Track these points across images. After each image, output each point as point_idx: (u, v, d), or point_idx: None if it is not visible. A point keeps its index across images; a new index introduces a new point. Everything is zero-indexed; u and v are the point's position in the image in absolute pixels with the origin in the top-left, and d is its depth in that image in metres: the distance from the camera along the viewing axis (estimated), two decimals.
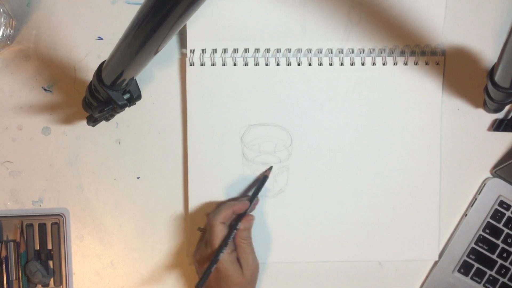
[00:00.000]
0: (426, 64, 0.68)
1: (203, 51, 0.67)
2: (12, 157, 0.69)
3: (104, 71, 0.56)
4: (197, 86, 0.68)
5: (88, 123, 0.62)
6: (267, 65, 0.67)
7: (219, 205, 0.66)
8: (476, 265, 0.69)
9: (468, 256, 0.69)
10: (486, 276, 0.68)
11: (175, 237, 0.70)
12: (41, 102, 0.69)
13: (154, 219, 0.70)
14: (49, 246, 0.69)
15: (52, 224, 0.69)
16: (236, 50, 0.67)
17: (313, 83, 0.68)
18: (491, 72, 0.59)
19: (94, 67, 0.57)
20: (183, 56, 0.69)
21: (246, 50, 0.67)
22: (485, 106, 0.67)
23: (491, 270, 0.68)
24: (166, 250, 0.70)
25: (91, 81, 0.59)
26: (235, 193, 0.68)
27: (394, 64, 0.67)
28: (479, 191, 0.69)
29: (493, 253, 0.68)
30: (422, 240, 0.69)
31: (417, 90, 0.68)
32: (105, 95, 0.57)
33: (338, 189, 0.68)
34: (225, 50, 0.67)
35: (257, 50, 0.68)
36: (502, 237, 0.68)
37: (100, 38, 0.69)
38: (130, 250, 0.70)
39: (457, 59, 0.69)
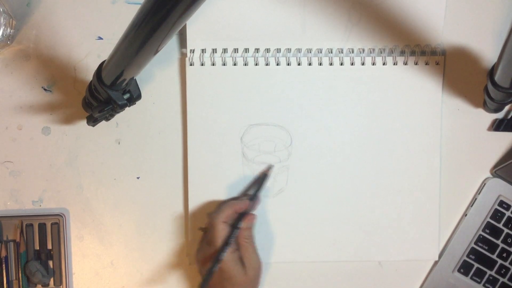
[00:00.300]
0: (426, 64, 0.68)
1: (203, 51, 0.67)
2: (12, 157, 0.69)
3: (104, 71, 0.56)
4: (197, 86, 0.68)
5: (88, 123, 0.62)
6: (267, 65, 0.67)
7: (220, 205, 0.66)
8: (476, 265, 0.69)
9: (468, 256, 0.69)
10: (486, 276, 0.68)
11: (175, 237, 0.70)
12: (41, 102, 0.69)
13: (154, 219, 0.70)
14: (49, 246, 0.69)
15: (52, 224, 0.69)
16: (236, 50, 0.67)
17: (313, 83, 0.68)
18: (491, 72, 0.59)
19: (94, 67, 0.57)
20: (183, 56, 0.69)
21: (246, 50, 0.67)
22: (485, 106, 0.67)
23: (491, 270, 0.68)
24: (166, 250, 0.70)
25: (91, 81, 0.59)
26: (235, 193, 0.68)
27: (394, 64, 0.67)
28: (479, 191, 0.69)
29: (493, 253, 0.68)
30: (422, 240, 0.69)
31: (417, 90, 0.68)
32: (105, 95, 0.57)
33: (338, 189, 0.68)
34: (225, 50, 0.67)
35: (257, 50, 0.68)
36: (502, 237, 0.68)
37: (100, 38, 0.69)
38: (130, 250, 0.70)
39: (457, 59, 0.69)
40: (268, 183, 0.68)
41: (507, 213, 0.68)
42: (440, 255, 0.69)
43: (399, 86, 0.68)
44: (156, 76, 0.69)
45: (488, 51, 0.69)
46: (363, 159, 0.68)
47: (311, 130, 0.68)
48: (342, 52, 0.68)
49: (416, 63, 0.67)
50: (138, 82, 0.61)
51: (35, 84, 0.69)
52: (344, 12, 0.67)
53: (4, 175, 0.69)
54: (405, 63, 0.68)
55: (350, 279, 0.70)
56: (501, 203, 0.68)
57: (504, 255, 0.68)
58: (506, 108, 0.68)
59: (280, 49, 0.68)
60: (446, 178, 0.69)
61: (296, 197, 0.68)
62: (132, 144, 0.69)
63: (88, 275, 0.70)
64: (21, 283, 0.68)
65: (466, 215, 0.69)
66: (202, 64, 0.67)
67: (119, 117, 0.68)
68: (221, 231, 0.62)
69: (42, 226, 0.69)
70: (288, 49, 0.68)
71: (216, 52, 0.67)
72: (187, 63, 0.67)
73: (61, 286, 0.69)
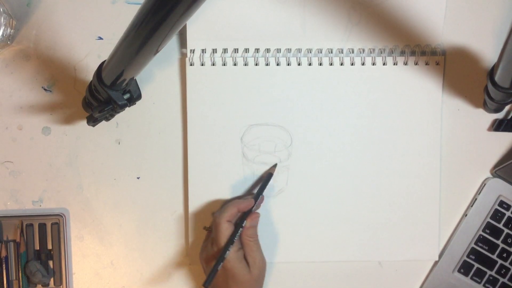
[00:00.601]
0: (426, 64, 0.68)
1: (203, 51, 0.67)
2: (12, 157, 0.69)
3: (104, 71, 0.56)
4: (197, 86, 0.68)
5: (88, 123, 0.62)
6: (267, 65, 0.67)
7: (224, 204, 0.66)
8: (476, 265, 0.69)
9: (468, 256, 0.69)
10: (486, 276, 0.68)
11: (175, 237, 0.70)
12: (41, 102, 0.69)
13: (154, 219, 0.70)
14: (49, 246, 0.69)
15: (52, 224, 0.69)
16: (236, 50, 0.67)
17: (313, 83, 0.68)
18: (491, 72, 0.59)
19: (94, 67, 0.57)
20: (183, 56, 0.69)
21: (246, 50, 0.67)
22: (485, 106, 0.67)
23: (491, 270, 0.68)
24: (166, 250, 0.70)
25: (91, 81, 0.59)
26: (235, 193, 0.68)
27: (394, 64, 0.67)
28: (479, 191, 0.69)
29: (493, 253, 0.68)
30: (422, 240, 0.69)
31: (417, 90, 0.68)
32: (105, 95, 0.57)
33: (338, 189, 0.68)
34: (225, 50, 0.67)
35: (257, 50, 0.68)
36: (502, 237, 0.68)
37: (100, 38, 0.69)
38: (130, 250, 0.70)
39: (457, 59, 0.69)
40: (269, 183, 0.68)
41: (507, 213, 0.68)
42: (440, 255, 0.69)
43: (399, 86, 0.68)
44: (156, 76, 0.69)
45: (488, 51, 0.69)
46: (363, 159, 0.68)
47: (311, 130, 0.68)
48: (342, 52, 0.68)
49: (416, 63, 0.67)
50: (138, 82, 0.61)
51: (35, 84, 0.69)
52: (344, 12, 0.67)
53: (4, 175, 0.69)
54: (405, 63, 0.67)
55: (350, 279, 0.70)
56: (501, 203, 0.68)
57: (504, 255, 0.68)
58: (506, 108, 0.68)
59: (280, 49, 0.68)
60: (446, 178, 0.69)
61: (296, 197, 0.68)
62: (132, 144, 0.69)
63: (88, 275, 0.70)
64: (21, 283, 0.68)
65: (466, 215, 0.69)
66: (202, 64, 0.67)
67: (119, 117, 0.68)
68: (225, 230, 0.62)
69: (42, 226, 0.69)
70: (288, 49, 0.68)
71: (216, 52, 0.67)
72: (187, 63, 0.67)
73: (61, 286, 0.69)
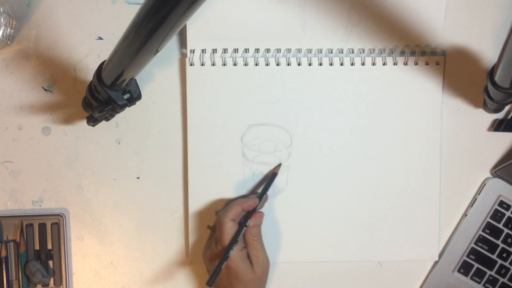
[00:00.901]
0: (426, 64, 0.68)
1: (203, 51, 0.67)
2: (12, 157, 0.69)
3: (104, 71, 0.56)
4: (197, 86, 0.68)
5: (88, 123, 0.62)
6: (267, 65, 0.67)
7: (228, 203, 0.66)
8: (476, 265, 0.69)
9: (468, 256, 0.69)
10: (486, 276, 0.68)
11: (175, 237, 0.70)
12: (41, 102, 0.69)
13: (154, 219, 0.70)
14: (49, 246, 0.69)
15: (52, 224, 0.69)
16: (236, 50, 0.67)
17: (313, 83, 0.68)
18: (491, 72, 0.59)
19: (94, 67, 0.57)
20: (183, 56, 0.69)
21: (246, 50, 0.67)
22: (485, 106, 0.67)
23: (491, 270, 0.68)
24: (166, 250, 0.70)
25: (91, 81, 0.59)
26: (235, 193, 0.68)
27: (394, 64, 0.67)
28: (479, 191, 0.69)
29: (493, 253, 0.68)
30: (422, 240, 0.69)
31: (417, 90, 0.68)
32: (105, 95, 0.57)
33: (338, 189, 0.68)
34: (225, 50, 0.67)
35: (257, 50, 0.68)
36: (502, 237, 0.68)
37: (100, 38, 0.69)
38: (130, 250, 0.70)
39: (457, 59, 0.69)
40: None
41: (507, 213, 0.68)
42: (440, 255, 0.69)
43: (399, 86, 0.68)
44: (156, 76, 0.69)
45: (488, 51, 0.69)
46: (363, 159, 0.68)
47: (311, 130, 0.68)
48: (342, 52, 0.68)
49: (416, 63, 0.67)
50: (138, 82, 0.61)
51: (35, 84, 0.69)
52: (344, 12, 0.67)
53: (4, 175, 0.69)
54: (405, 63, 0.68)
55: (350, 279, 0.70)
56: (501, 203, 0.68)
57: (504, 255, 0.68)
58: (506, 108, 0.68)
59: (280, 49, 0.68)
60: (446, 178, 0.69)
61: (296, 197, 0.68)
62: (132, 144, 0.69)
63: (88, 275, 0.70)
64: (21, 283, 0.68)
65: (466, 215, 0.69)
66: (202, 64, 0.67)
67: (119, 117, 0.68)
68: (229, 229, 0.62)
69: (42, 226, 0.69)
70: (288, 49, 0.68)
71: (216, 52, 0.67)
72: (187, 63, 0.67)
73: (61, 286, 0.69)
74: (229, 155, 0.68)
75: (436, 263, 0.70)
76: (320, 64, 0.67)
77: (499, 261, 0.68)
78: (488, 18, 0.68)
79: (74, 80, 0.69)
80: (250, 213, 0.64)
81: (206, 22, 0.67)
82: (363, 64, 0.67)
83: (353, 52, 0.68)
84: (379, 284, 0.70)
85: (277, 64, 0.67)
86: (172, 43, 0.69)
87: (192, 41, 0.67)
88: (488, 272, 0.68)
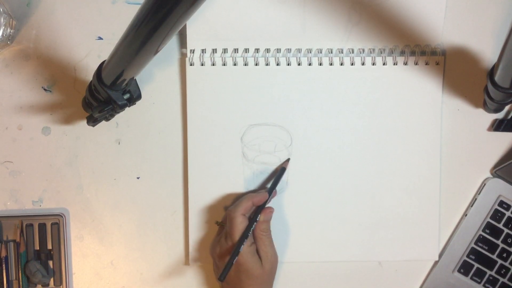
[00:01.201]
0: (426, 64, 0.68)
1: (203, 51, 0.67)
2: (12, 157, 0.69)
3: (104, 71, 0.56)
4: (197, 86, 0.68)
5: (88, 123, 0.62)
6: (267, 65, 0.67)
7: (238, 198, 0.66)
8: (476, 265, 0.69)
9: (468, 256, 0.69)
10: (486, 276, 0.68)
11: (175, 237, 0.70)
12: (41, 102, 0.69)
13: (154, 219, 0.70)
14: (49, 246, 0.69)
15: (52, 224, 0.69)
16: (236, 50, 0.67)
17: (313, 83, 0.68)
18: (491, 72, 0.59)
19: (94, 67, 0.57)
20: (183, 56, 0.69)
21: (246, 50, 0.67)
22: (485, 106, 0.67)
23: (491, 270, 0.68)
24: (166, 250, 0.70)
25: (91, 81, 0.59)
26: (235, 193, 0.68)
27: (394, 64, 0.67)
28: (479, 191, 0.69)
29: (493, 253, 0.68)
30: (422, 240, 0.69)
31: (417, 90, 0.68)
32: (105, 95, 0.57)
33: (338, 189, 0.68)
34: (225, 50, 0.67)
35: (257, 50, 0.68)
36: (502, 237, 0.68)
37: (100, 38, 0.69)
38: (130, 250, 0.70)
39: (457, 59, 0.69)
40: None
41: (507, 213, 0.68)
42: (440, 255, 0.69)
43: (399, 86, 0.68)
44: (156, 76, 0.69)
45: (488, 51, 0.68)
46: (363, 159, 0.68)
47: (311, 130, 0.68)
48: (342, 52, 0.68)
49: (416, 63, 0.67)
50: (138, 82, 0.61)
51: (35, 84, 0.69)
52: (344, 12, 0.67)
53: (4, 175, 0.69)
54: (405, 63, 0.67)
55: (350, 279, 0.70)
56: (501, 203, 0.68)
57: (504, 255, 0.68)
58: (506, 108, 0.68)
59: (280, 49, 0.68)
60: (446, 178, 0.69)
61: (296, 197, 0.68)
62: (132, 144, 0.69)
63: (88, 275, 0.70)
64: (21, 283, 0.68)
65: (466, 215, 0.69)
66: (202, 64, 0.67)
67: (119, 117, 0.68)
68: (240, 223, 0.62)
69: (42, 226, 0.69)
70: (288, 49, 0.68)
71: (216, 52, 0.67)
72: (187, 63, 0.67)
73: (61, 286, 0.69)
74: (229, 155, 0.68)
75: (436, 263, 0.70)
76: (320, 64, 0.67)
77: (499, 261, 0.68)
78: (488, 18, 0.68)
79: (74, 80, 0.69)
80: (260, 208, 0.64)
81: (206, 22, 0.67)
82: (363, 64, 0.67)
83: (353, 52, 0.68)
84: (379, 284, 0.70)
85: (277, 64, 0.67)
86: (172, 43, 0.69)
87: (192, 41, 0.67)
88: (488, 272, 0.68)
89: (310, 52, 0.68)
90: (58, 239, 0.69)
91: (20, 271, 0.68)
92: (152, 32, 0.46)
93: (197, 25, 0.67)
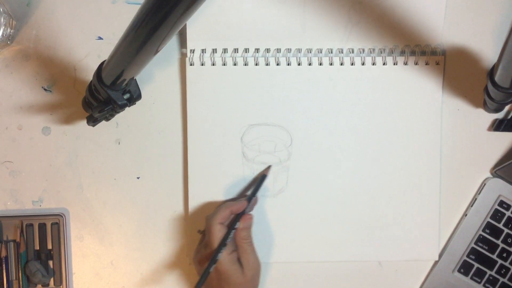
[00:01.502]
0: (426, 64, 0.68)
1: (203, 51, 0.67)
2: (12, 157, 0.69)
3: (104, 71, 0.56)
4: (197, 86, 0.68)
5: (88, 123, 0.62)
6: (267, 65, 0.67)
7: (217, 207, 0.66)
8: (476, 265, 0.69)
9: (468, 256, 0.69)
10: (486, 276, 0.68)
11: (175, 237, 0.70)
12: (41, 102, 0.69)
13: (154, 219, 0.70)
14: (49, 246, 0.69)
15: (52, 224, 0.69)
16: (236, 50, 0.67)
17: (313, 83, 0.68)
18: (491, 72, 0.59)
19: (94, 67, 0.57)
20: (183, 56, 0.69)
21: (246, 50, 0.67)
22: (485, 106, 0.67)
23: (491, 270, 0.68)
24: (166, 250, 0.70)
25: (91, 81, 0.59)
26: (235, 193, 0.68)
27: (394, 64, 0.67)
28: (479, 191, 0.69)
29: (493, 253, 0.68)
30: (422, 240, 0.69)
31: (417, 90, 0.68)
32: (105, 95, 0.57)
33: (338, 189, 0.68)
34: (225, 50, 0.67)
35: (257, 50, 0.68)
36: (502, 237, 0.68)
37: (100, 38, 0.69)
38: (130, 250, 0.70)
39: (457, 59, 0.69)
40: (268, 183, 0.68)
41: (507, 213, 0.68)
42: (440, 255, 0.69)
43: (399, 86, 0.68)
44: (156, 76, 0.69)
45: (488, 51, 0.69)
46: (363, 159, 0.68)
47: (311, 130, 0.68)
48: (342, 52, 0.68)
49: (416, 63, 0.67)
50: (138, 82, 0.61)
51: (35, 84, 0.69)
52: (344, 12, 0.67)
53: (4, 175, 0.69)
54: (405, 63, 0.68)
55: (350, 279, 0.70)
56: (501, 203, 0.68)
57: (504, 255, 0.68)
58: (506, 108, 0.68)
59: (280, 49, 0.68)
60: (446, 178, 0.69)
61: (296, 197, 0.68)
62: (132, 144, 0.69)
63: (88, 275, 0.70)
64: (21, 283, 0.68)
65: (466, 215, 0.69)
66: (202, 64, 0.67)
67: (119, 117, 0.68)
68: (218, 232, 0.62)
69: (42, 226, 0.69)
70: (288, 49, 0.68)
71: (216, 52, 0.67)
72: (187, 63, 0.67)
73: (61, 286, 0.69)
74: (229, 155, 0.68)
75: (436, 263, 0.70)
76: (320, 64, 0.67)
77: (499, 261, 0.68)
78: (488, 18, 0.68)
79: (74, 80, 0.69)
80: (239, 216, 0.64)
81: (206, 22, 0.67)
82: (363, 64, 0.67)
83: (353, 52, 0.68)
84: (379, 284, 0.70)
85: (277, 64, 0.67)
86: (172, 43, 0.69)
87: (192, 41, 0.67)
88: (488, 272, 0.68)
89: (310, 52, 0.68)
90: (58, 239, 0.69)
91: (20, 271, 0.68)
92: (152, 32, 0.46)
93: (197, 25, 0.67)
